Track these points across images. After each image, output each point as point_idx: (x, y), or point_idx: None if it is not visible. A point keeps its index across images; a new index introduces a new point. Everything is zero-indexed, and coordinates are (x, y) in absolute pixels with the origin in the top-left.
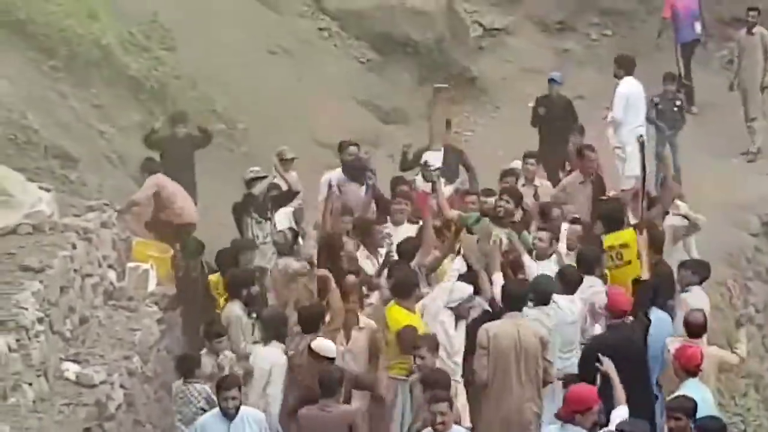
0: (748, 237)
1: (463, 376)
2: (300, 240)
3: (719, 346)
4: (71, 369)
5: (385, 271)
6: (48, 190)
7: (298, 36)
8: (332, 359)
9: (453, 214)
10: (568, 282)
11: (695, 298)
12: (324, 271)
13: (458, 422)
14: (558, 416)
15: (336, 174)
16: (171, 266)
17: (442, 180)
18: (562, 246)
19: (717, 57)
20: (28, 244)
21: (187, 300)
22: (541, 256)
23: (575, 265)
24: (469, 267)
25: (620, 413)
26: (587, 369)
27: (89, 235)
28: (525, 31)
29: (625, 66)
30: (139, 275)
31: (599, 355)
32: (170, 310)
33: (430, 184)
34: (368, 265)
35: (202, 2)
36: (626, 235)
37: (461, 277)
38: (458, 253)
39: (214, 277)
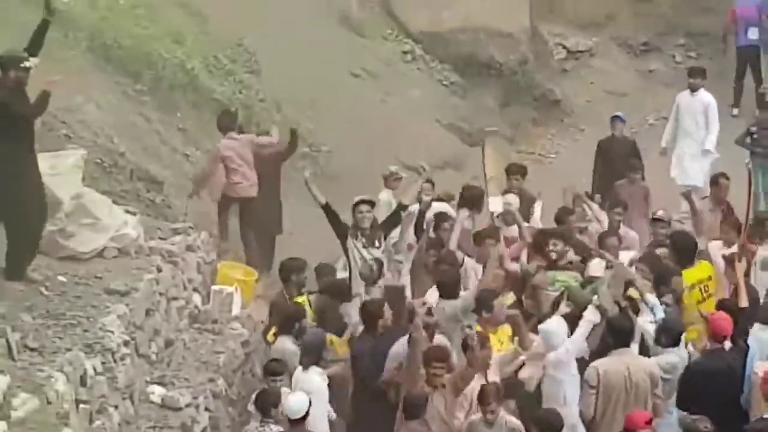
0: None
1: None
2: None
3: None
4: (157, 392)
5: None
6: (134, 214)
7: (382, 59)
8: None
9: (513, 267)
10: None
11: None
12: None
13: None
14: None
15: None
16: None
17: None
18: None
19: None
20: (114, 267)
21: None
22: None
23: None
24: None
25: None
26: (686, 394)
27: (174, 258)
28: (609, 53)
29: (702, 75)
30: (223, 298)
31: None
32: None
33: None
34: None
35: (287, 26)
36: (707, 268)
37: None
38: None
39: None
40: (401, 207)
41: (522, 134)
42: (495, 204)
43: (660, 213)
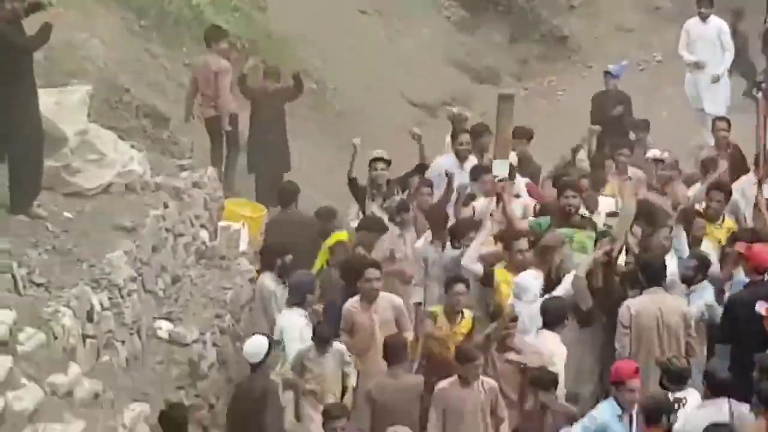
0: None
1: None
2: None
3: None
4: (164, 327)
5: None
6: (140, 150)
7: None
8: None
9: (523, 225)
10: None
11: None
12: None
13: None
14: None
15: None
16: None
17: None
18: None
19: None
20: (121, 203)
21: None
22: None
23: None
24: None
25: None
26: (727, 328)
27: (181, 194)
28: None
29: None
30: (230, 234)
31: None
32: None
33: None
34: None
35: None
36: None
37: None
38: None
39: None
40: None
41: (529, 71)
42: (500, 167)
43: (657, 153)
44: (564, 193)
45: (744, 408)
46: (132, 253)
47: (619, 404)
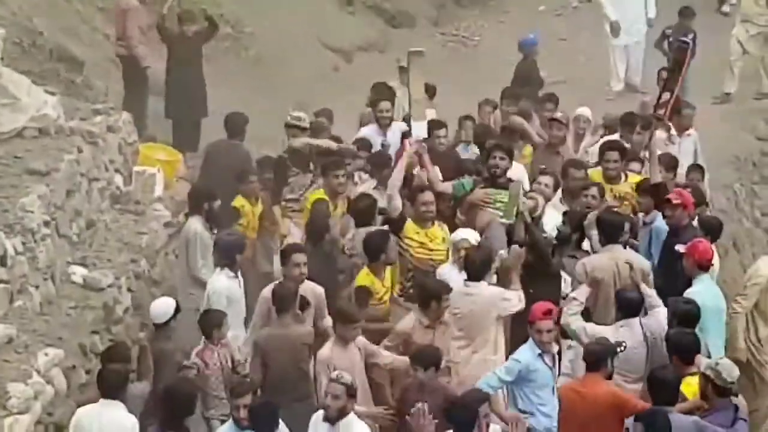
0: (755, 141)
1: None
2: None
3: (725, 248)
4: (78, 272)
5: None
6: (53, 94)
7: None
8: None
9: (445, 186)
10: None
11: None
12: None
13: None
14: None
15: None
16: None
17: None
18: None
19: None
20: (34, 147)
21: None
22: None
23: None
24: None
25: None
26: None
27: (95, 138)
28: None
29: None
30: (145, 179)
31: None
32: None
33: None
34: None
35: None
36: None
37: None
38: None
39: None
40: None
41: (446, 16)
42: (418, 128)
43: (558, 114)
44: (492, 154)
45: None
46: (46, 198)
47: (537, 344)
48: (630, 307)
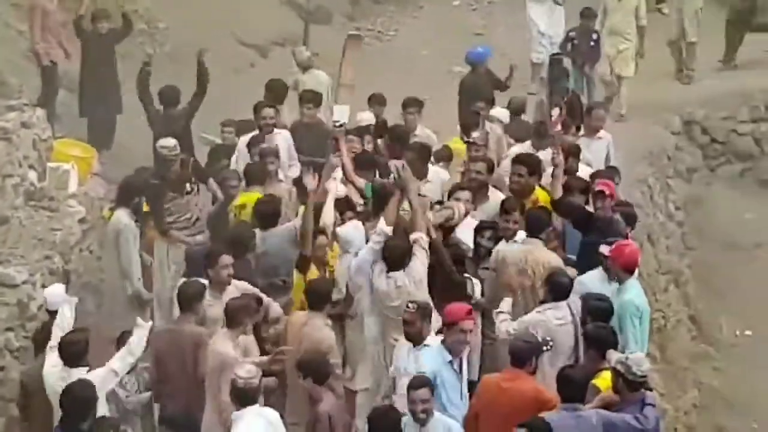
0: (669, 135)
1: None
2: None
3: (640, 242)
4: None
5: None
6: None
7: None
8: None
9: (360, 182)
10: None
11: None
12: None
13: None
14: None
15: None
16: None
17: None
18: None
19: None
20: None
21: None
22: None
23: None
24: None
25: None
26: None
27: (9, 135)
28: None
29: None
30: (59, 175)
31: None
32: None
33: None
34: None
35: None
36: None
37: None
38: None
39: None
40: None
41: (361, 11)
42: (341, 113)
43: (474, 135)
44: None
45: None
46: None
47: (448, 350)
48: (560, 290)
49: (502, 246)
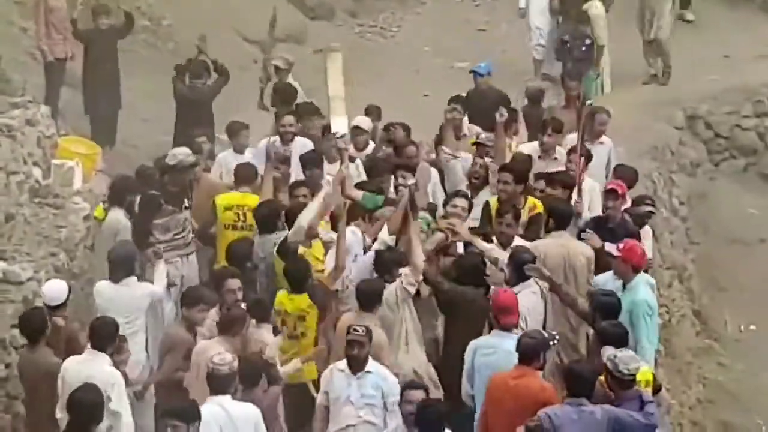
0: (672, 130)
1: None
2: None
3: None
4: None
5: None
6: None
7: None
8: None
9: (357, 194)
10: None
11: None
12: None
13: None
14: None
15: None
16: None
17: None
18: None
19: None
20: None
21: None
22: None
23: None
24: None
25: None
26: None
27: (13, 132)
28: None
29: None
30: (64, 172)
31: None
32: None
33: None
34: None
35: None
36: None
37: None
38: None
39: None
40: None
41: (363, 7)
42: (339, 124)
43: (483, 136)
44: (396, 174)
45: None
46: None
47: None
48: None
49: (539, 243)
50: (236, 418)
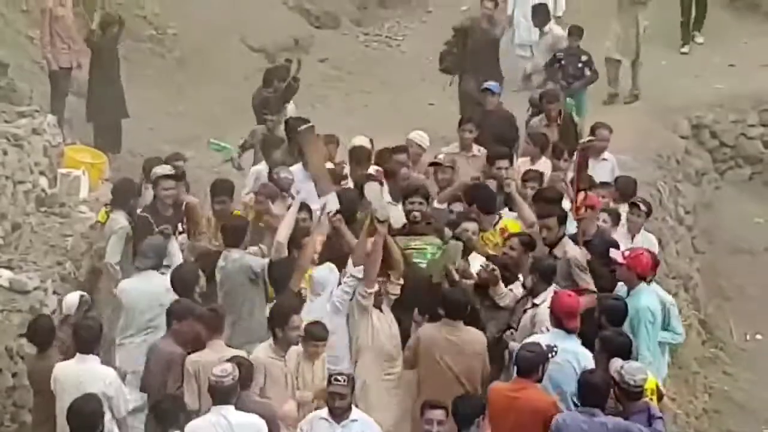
0: (678, 139)
1: None
2: None
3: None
4: (4, 275)
5: None
6: None
7: None
8: None
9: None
10: None
11: None
12: None
13: None
14: None
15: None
16: None
17: None
18: None
19: None
20: None
21: None
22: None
23: None
24: None
25: None
26: None
27: (20, 141)
28: None
29: None
30: (71, 181)
31: None
32: None
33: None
34: None
35: None
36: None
37: None
38: None
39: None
40: None
41: (369, 16)
42: (331, 202)
43: (440, 157)
44: (410, 199)
45: None
46: None
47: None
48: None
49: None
50: (237, 428)
